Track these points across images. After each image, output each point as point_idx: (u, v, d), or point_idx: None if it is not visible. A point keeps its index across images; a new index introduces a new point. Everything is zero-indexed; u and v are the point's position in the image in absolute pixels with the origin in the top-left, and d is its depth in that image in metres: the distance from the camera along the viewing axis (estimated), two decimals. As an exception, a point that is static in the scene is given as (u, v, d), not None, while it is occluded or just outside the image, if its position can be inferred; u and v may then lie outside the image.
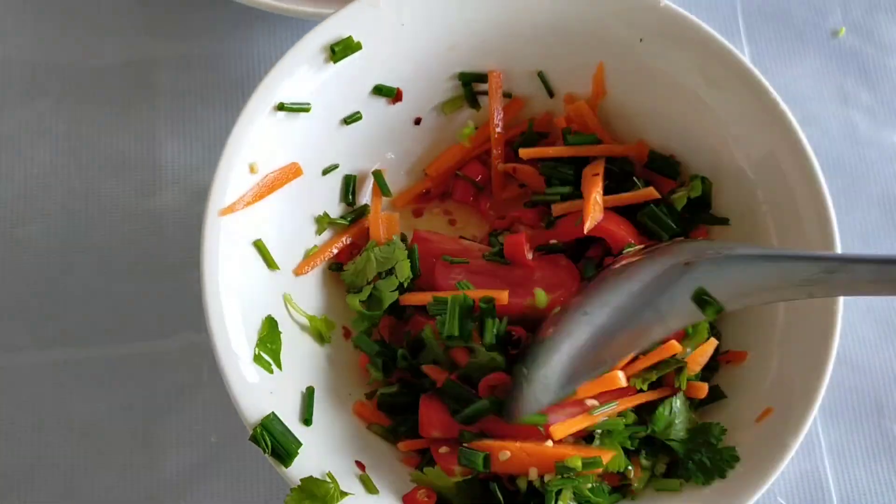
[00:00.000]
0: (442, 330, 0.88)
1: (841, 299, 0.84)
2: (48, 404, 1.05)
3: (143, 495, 1.03)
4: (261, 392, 0.83)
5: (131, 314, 1.08)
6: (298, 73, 0.90)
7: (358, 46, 0.91)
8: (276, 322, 0.88)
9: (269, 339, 0.87)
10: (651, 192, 0.95)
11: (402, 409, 0.93)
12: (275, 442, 0.80)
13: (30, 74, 1.17)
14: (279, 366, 0.87)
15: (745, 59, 0.90)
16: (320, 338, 0.94)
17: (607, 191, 0.96)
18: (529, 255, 0.94)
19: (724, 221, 0.96)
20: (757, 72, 0.90)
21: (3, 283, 1.09)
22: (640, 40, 0.94)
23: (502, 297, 0.89)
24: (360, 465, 0.87)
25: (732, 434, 0.87)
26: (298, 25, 1.18)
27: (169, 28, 1.19)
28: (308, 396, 0.88)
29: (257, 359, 0.85)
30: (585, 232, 0.92)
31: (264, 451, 0.80)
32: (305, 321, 0.92)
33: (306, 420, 0.86)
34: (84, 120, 1.15)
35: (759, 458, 0.83)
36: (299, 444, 0.82)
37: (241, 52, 1.18)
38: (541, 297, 0.91)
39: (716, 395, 0.92)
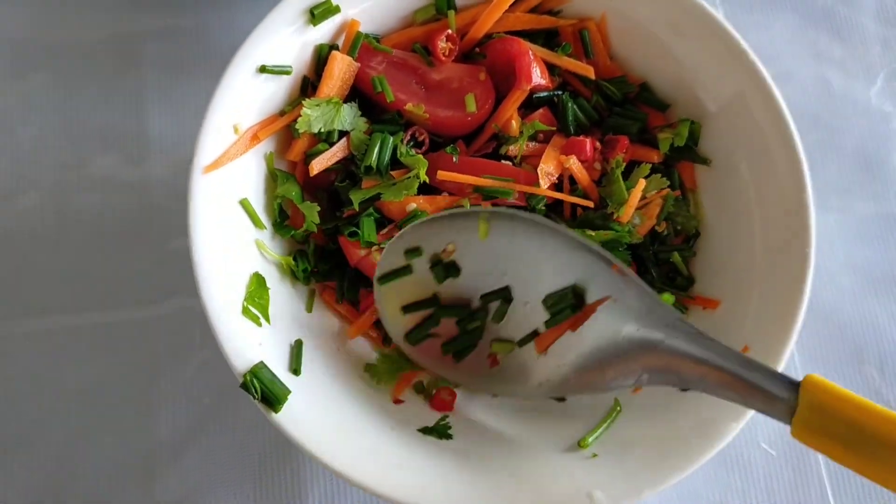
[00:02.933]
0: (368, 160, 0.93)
1: (813, 248, 0.87)
2: (43, 371, 1.07)
3: (139, 457, 1.05)
4: (249, 343, 0.85)
5: (124, 281, 1.10)
6: (279, 36, 0.91)
7: (336, 9, 0.93)
8: (263, 278, 0.91)
9: (256, 294, 0.89)
10: (586, 69, 0.98)
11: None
12: (264, 388, 0.82)
13: (18, 51, 1.18)
14: (267, 319, 0.89)
15: (708, 6, 0.92)
16: (294, 277, 0.96)
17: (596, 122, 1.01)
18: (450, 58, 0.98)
19: (705, 162, 0.98)
20: (721, 17, 0.92)
21: (-2, 255, 1.11)
22: None
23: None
24: None
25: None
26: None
27: (154, 1, 1.21)
28: (296, 348, 0.90)
29: (245, 312, 0.87)
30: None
31: (254, 397, 0.82)
32: (280, 262, 0.95)
33: (295, 370, 0.88)
34: (73, 94, 1.17)
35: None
36: (288, 391, 0.84)
37: (225, 23, 1.20)
38: (470, 102, 0.95)
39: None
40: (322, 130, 0.93)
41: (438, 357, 0.92)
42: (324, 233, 0.97)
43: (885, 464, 0.67)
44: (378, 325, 0.97)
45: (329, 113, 0.93)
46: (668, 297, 0.94)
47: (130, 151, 1.15)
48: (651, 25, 0.96)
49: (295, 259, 0.95)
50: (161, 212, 1.13)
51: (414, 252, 0.90)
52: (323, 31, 0.94)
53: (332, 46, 0.95)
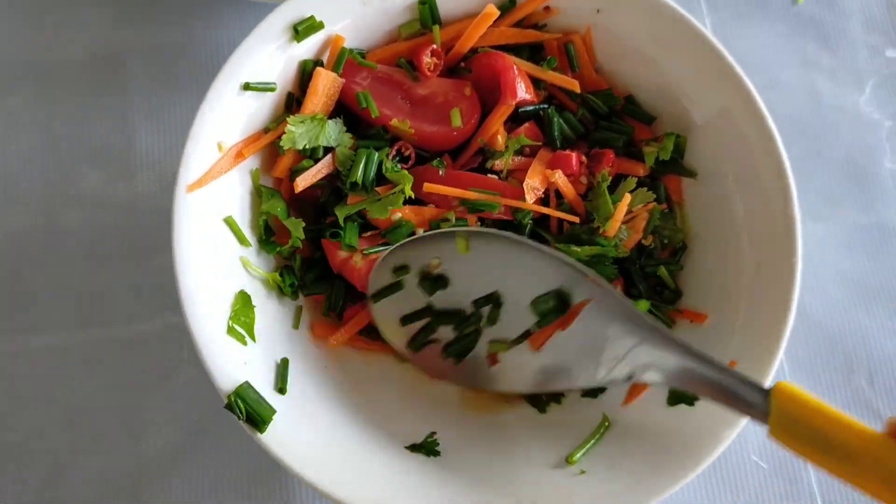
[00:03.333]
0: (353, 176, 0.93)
1: (800, 262, 0.87)
2: (30, 389, 1.06)
3: (127, 475, 1.04)
4: (235, 363, 0.85)
5: (111, 298, 1.10)
6: (263, 52, 0.91)
7: (321, 26, 0.93)
8: (248, 296, 0.90)
9: (242, 312, 0.89)
10: (572, 83, 0.97)
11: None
12: (249, 409, 0.82)
13: (3, 69, 1.18)
14: (253, 338, 0.89)
15: (694, 21, 0.92)
16: (280, 293, 0.96)
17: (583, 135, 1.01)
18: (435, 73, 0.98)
19: (692, 174, 0.98)
20: (706, 31, 0.92)
21: (-17, 272, 1.11)
22: (598, 11, 0.96)
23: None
24: None
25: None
26: (266, 10, 1.18)
27: (139, 17, 1.20)
28: (282, 366, 0.89)
29: (230, 331, 0.87)
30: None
31: (239, 418, 0.82)
32: (266, 278, 0.94)
33: (281, 389, 0.87)
34: (59, 111, 1.17)
35: (723, 413, 0.84)
36: (273, 411, 0.83)
37: (210, 37, 1.20)
38: (456, 117, 0.95)
39: None
40: (307, 147, 0.92)
41: (440, 361, 0.95)
42: (309, 241, 0.97)
43: (856, 468, 0.69)
44: (364, 333, 0.98)
45: (313, 129, 0.93)
46: (643, 304, 0.94)
47: (117, 168, 1.14)
48: (636, 39, 0.95)
49: (281, 275, 0.94)
50: (148, 228, 1.12)
51: (402, 270, 0.94)
52: (307, 47, 0.94)
53: (317, 62, 0.95)
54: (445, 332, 0.94)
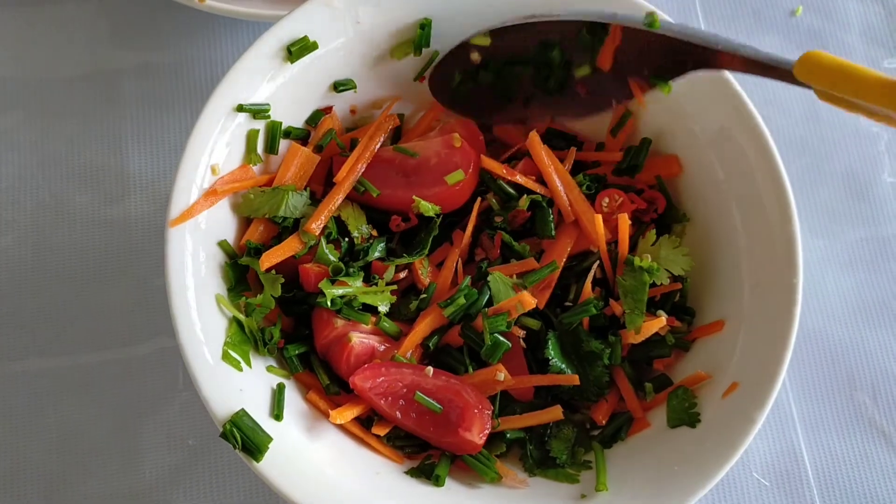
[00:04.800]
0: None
1: (801, 278, 0.86)
2: (24, 413, 1.06)
3: (123, 499, 1.03)
4: (230, 390, 0.84)
5: (104, 322, 1.09)
6: (257, 74, 0.90)
7: (314, 46, 0.92)
8: (242, 323, 0.89)
9: (237, 338, 0.88)
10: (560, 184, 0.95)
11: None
12: (245, 437, 0.81)
13: (-6, 90, 1.18)
14: (248, 364, 0.88)
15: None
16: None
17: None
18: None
19: (683, 218, 0.98)
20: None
21: (-26, 295, 1.10)
22: None
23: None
24: None
25: (701, 409, 0.89)
26: (260, 29, 1.19)
27: (132, 37, 1.20)
28: (278, 393, 0.88)
29: (226, 356, 0.85)
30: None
31: (234, 447, 0.80)
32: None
33: (277, 415, 0.86)
34: (51, 132, 1.16)
35: (727, 433, 0.84)
36: (269, 439, 0.82)
37: (204, 57, 1.19)
38: (452, 177, 0.93)
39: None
40: (268, 216, 0.91)
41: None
42: (288, 310, 0.95)
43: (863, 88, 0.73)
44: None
45: (274, 199, 0.91)
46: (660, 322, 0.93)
47: (109, 188, 1.14)
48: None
49: (262, 330, 0.91)
50: (141, 249, 1.12)
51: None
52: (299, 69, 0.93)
53: (305, 134, 0.97)
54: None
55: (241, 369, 0.86)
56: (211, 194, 0.88)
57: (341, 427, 0.90)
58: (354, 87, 0.97)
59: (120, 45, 1.19)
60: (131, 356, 1.08)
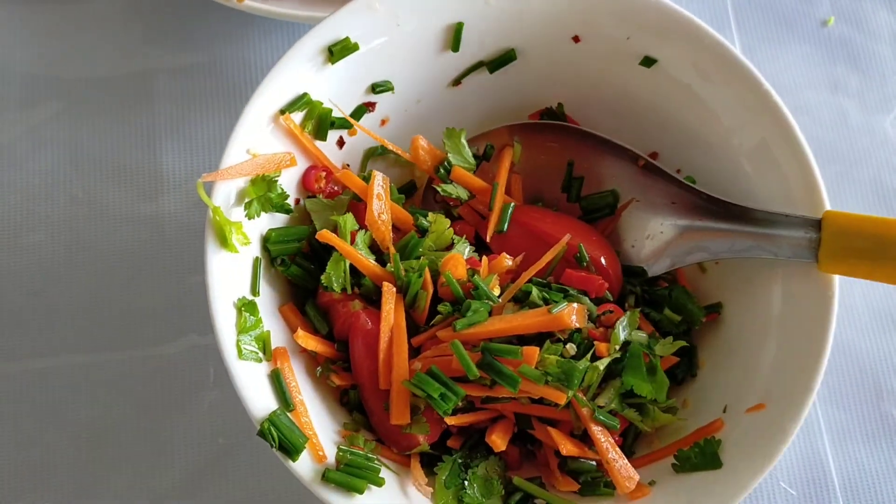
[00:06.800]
0: None
1: (837, 291, 0.85)
2: (56, 410, 1.06)
3: (152, 496, 1.04)
4: (267, 388, 0.84)
5: (136, 319, 1.09)
6: (297, 73, 0.90)
7: (355, 47, 0.92)
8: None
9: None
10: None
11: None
12: (282, 437, 0.81)
13: (30, 85, 1.18)
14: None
15: (737, 51, 0.91)
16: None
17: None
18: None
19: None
20: (749, 63, 0.90)
21: (8, 291, 1.10)
22: (627, 38, 0.95)
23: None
24: None
25: (731, 420, 0.88)
26: (293, 29, 1.20)
27: (166, 36, 1.20)
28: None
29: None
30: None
31: (272, 446, 0.80)
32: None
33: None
34: (84, 129, 1.16)
35: (759, 445, 0.83)
36: (305, 439, 0.82)
37: (237, 57, 1.19)
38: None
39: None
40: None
41: None
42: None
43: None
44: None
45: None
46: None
47: (143, 186, 1.14)
48: (675, 68, 0.94)
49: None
50: (174, 248, 1.12)
51: None
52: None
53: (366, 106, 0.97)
54: None
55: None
56: (257, 166, 0.89)
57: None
58: (392, 88, 0.97)
59: (154, 45, 1.20)
60: (162, 354, 1.08)
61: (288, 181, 0.92)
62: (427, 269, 0.88)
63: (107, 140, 1.16)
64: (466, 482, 0.86)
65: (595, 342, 0.86)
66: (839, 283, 0.85)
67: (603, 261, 0.92)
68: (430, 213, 0.93)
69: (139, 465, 1.05)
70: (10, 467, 1.04)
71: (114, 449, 1.05)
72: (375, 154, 1.00)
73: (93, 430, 1.05)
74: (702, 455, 0.85)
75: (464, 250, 0.91)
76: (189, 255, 1.11)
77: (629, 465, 0.84)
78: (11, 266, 1.11)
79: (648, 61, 0.94)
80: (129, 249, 1.12)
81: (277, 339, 0.88)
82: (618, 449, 0.85)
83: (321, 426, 0.85)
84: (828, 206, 0.86)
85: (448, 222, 0.92)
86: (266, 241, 0.90)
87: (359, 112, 0.96)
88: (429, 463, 0.89)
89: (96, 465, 1.04)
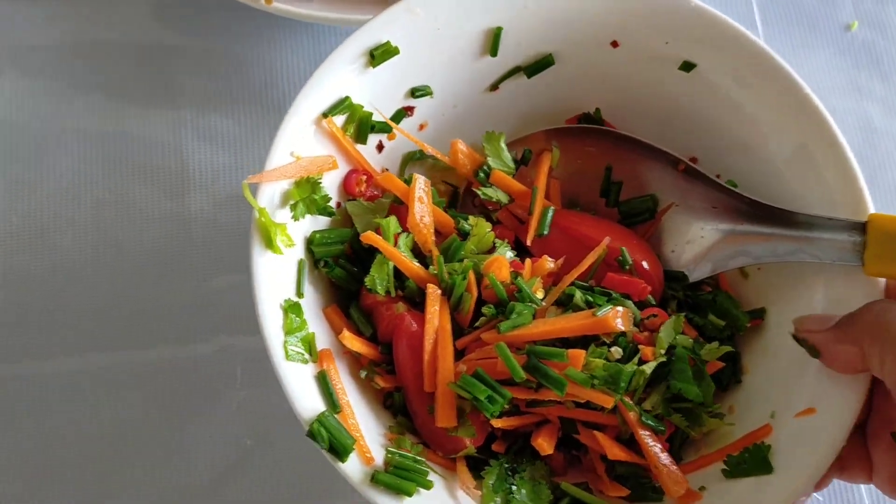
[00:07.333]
0: None
1: (883, 293, 0.85)
2: (82, 409, 1.06)
3: (178, 496, 1.04)
4: (314, 390, 0.84)
5: (163, 319, 1.09)
6: (340, 76, 0.90)
7: (396, 51, 0.92)
8: None
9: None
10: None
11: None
12: (332, 438, 0.80)
13: (51, 86, 1.18)
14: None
15: (776, 55, 0.91)
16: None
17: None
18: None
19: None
20: (789, 67, 0.90)
21: (34, 291, 1.10)
22: (666, 43, 0.95)
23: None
24: None
25: (779, 424, 0.87)
26: (318, 31, 1.20)
27: (193, 36, 1.20)
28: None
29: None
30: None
31: (322, 447, 0.80)
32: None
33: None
34: (110, 128, 1.16)
35: (810, 449, 0.83)
36: (353, 440, 0.82)
37: (264, 57, 1.20)
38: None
39: None
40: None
41: None
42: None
43: None
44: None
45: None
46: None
47: (169, 186, 1.14)
48: (713, 73, 0.94)
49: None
50: (201, 248, 1.12)
51: None
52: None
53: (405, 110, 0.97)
54: None
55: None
56: (300, 169, 0.89)
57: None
58: (431, 93, 0.97)
59: (179, 45, 1.20)
60: (189, 354, 1.08)
61: (328, 184, 0.92)
62: (471, 271, 0.89)
63: (132, 139, 1.16)
64: (514, 486, 0.86)
65: (640, 346, 0.87)
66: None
67: (645, 264, 0.93)
68: (470, 217, 0.94)
69: (165, 464, 1.05)
70: (34, 466, 1.04)
71: (139, 447, 1.05)
72: (414, 158, 1.00)
73: (118, 429, 1.05)
74: (752, 460, 0.85)
75: (505, 253, 0.91)
76: (218, 254, 1.11)
77: (678, 470, 0.85)
78: (38, 266, 1.11)
79: (687, 66, 0.94)
80: (155, 249, 1.12)
81: (321, 340, 0.88)
82: (667, 454, 0.85)
83: (367, 428, 0.85)
84: (872, 210, 0.86)
85: (489, 225, 0.92)
86: (310, 242, 0.90)
87: (398, 116, 0.97)
88: (472, 467, 0.89)
89: (122, 465, 1.04)
